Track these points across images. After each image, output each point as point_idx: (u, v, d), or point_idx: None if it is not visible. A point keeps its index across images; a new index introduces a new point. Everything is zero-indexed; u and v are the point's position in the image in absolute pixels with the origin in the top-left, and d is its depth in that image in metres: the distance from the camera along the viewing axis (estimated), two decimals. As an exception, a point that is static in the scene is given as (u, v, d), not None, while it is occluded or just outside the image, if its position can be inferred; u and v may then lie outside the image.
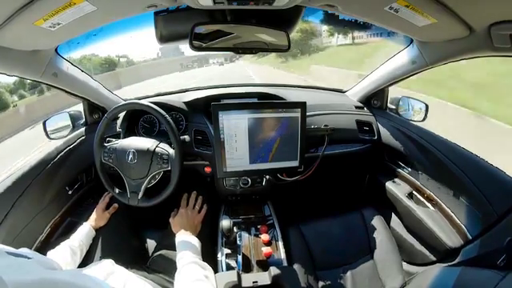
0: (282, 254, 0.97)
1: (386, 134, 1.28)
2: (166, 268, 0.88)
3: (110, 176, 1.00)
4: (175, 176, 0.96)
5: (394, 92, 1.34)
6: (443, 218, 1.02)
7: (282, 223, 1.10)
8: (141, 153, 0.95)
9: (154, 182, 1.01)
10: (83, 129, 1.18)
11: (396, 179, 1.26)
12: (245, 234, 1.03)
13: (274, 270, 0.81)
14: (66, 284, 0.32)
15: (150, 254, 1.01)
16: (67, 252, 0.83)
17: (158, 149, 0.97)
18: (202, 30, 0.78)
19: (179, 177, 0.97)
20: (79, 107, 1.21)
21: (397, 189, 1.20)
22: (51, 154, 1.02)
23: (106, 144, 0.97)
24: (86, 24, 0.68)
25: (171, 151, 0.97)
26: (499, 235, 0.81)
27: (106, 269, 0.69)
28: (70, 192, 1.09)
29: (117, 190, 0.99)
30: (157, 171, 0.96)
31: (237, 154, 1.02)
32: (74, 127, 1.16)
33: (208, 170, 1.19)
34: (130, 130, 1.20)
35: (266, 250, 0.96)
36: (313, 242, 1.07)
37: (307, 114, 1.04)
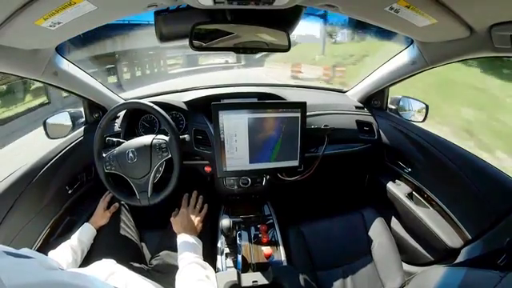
0: (282, 254, 0.97)
1: (386, 135, 1.28)
2: (167, 268, 0.88)
3: (116, 183, 1.00)
4: (177, 161, 0.96)
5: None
6: (443, 218, 1.02)
7: (281, 223, 1.10)
8: (139, 150, 0.95)
9: (158, 177, 1.01)
10: (83, 128, 1.18)
11: (396, 179, 1.26)
12: (245, 234, 1.03)
13: (273, 270, 0.81)
14: (66, 285, 0.32)
15: (151, 254, 1.01)
16: (68, 252, 0.83)
17: (154, 141, 0.97)
18: (202, 29, 0.78)
19: (181, 161, 0.97)
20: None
21: (397, 189, 1.20)
22: (51, 153, 1.02)
23: (104, 154, 0.97)
24: (86, 23, 0.68)
25: (168, 138, 0.97)
26: (499, 235, 0.81)
27: (107, 269, 0.69)
28: (70, 191, 1.09)
29: (126, 195, 0.99)
30: (159, 163, 0.96)
31: (237, 154, 1.02)
32: (75, 126, 1.16)
33: (208, 169, 1.19)
34: (130, 129, 1.20)
35: (265, 249, 0.96)
36: (313, 241, 1.07)
37: (307, 113, 1.04)
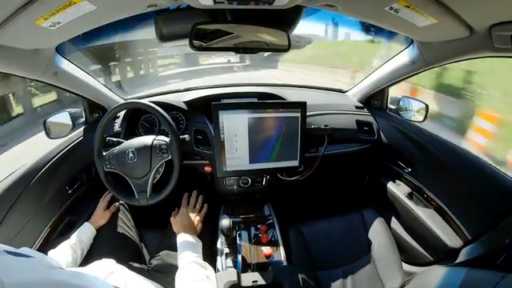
0: (282, 254, 0.97)
1: (386, 135, 1.28)
2: (167, 267, 0.88)
3: (115, 182, 1.00)
4: (177, 162, 0.96)
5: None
6: (443, 218, 1.02)
7: (281, 223, 1.10)
8: (139, 150, 0.95)
9: (158, 177, 1.01)
10: (83, 128, 1.18)
11: (396, 179, 1.26)
12: (245, 234, 1.03)
13: (273, 270, 0.81)
14: (66, 284, 0.32)
15: (151, 254, 1.01)
16: (68, 251, 0.83)
17: (155, 141, 0.96)
18: (202, 29, 0.79)
19: (181, 163, 0.97)
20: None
21: (397, 189, 1.20)
22: (51, 153, 1.02)
23: (104, 153, 0.97)
24: (86, 23, 0.68)
25: (168, 139, 0.97)
26: (499, 235, 0.81)
27: (107, 268, 0.69)
28: (70, 191, 1.09)
29: (125, 195, 0.99)
30: (159, 163, 0.96)
31: (237, 154, 1.02)
32: (75, 126, 1.16)
33: (208, 169, 1.19)
34: (131, 129, 1.20)
35: (265, 249, 0.96)
36: (313, 242, 1.07)
37: (307, 113, 1.04)
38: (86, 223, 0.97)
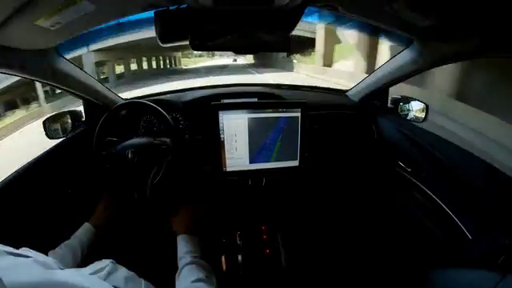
0: (283, 254, 0.97)
1: (386, 135, 1.28)
2: (167, 268, 0.88)
3: (115, 182, 1.00)
4: (177, 163, 0.96)
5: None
6: (443, 218, 1.02)
7: (282, 223, 1.10)
8: (140, 150, 0.95)
9: (158, 178, 1.01)
10: (83, 128, 1.18)
11: (396, 179, 1.26)
12: (245, 234, 1.03)
13: (274, 270, 0.81)
14: (65, 284, 0.32)
15: (151, 254, 1.01)
16: (68, 252, 0.83)
17: (155, 142, 0.97)
18: (202, 29, 0.79)
19: (181, 163, 0.98)
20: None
21: (397, 189, 1.20)
22: (51, 153, 1.02)
23: (103, 152, 0.97)
24: (86, 23, 0.68)
25: (168, 140, 0.97)
26: (499, 235, 0.81)
27: (107, 268, 0.69)
28: (69, 191, 1.09)
29: (125, 195, 0.99)
30: (159, 164, 0.96)
31: (237, 154, 1.02)
32: (75, 126, 1.16)
33: (208, 169, 1.19)
34: (130, 129, 1.20)
35: (266, 249, 0.96)
36: (313, 242, 1.07)
37: (307, 113, 1.04)
38: (86, 223, 0.96)
